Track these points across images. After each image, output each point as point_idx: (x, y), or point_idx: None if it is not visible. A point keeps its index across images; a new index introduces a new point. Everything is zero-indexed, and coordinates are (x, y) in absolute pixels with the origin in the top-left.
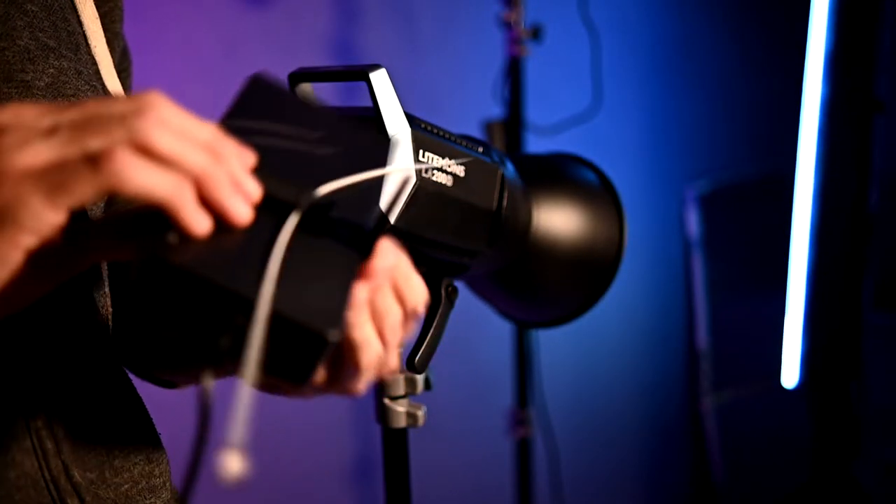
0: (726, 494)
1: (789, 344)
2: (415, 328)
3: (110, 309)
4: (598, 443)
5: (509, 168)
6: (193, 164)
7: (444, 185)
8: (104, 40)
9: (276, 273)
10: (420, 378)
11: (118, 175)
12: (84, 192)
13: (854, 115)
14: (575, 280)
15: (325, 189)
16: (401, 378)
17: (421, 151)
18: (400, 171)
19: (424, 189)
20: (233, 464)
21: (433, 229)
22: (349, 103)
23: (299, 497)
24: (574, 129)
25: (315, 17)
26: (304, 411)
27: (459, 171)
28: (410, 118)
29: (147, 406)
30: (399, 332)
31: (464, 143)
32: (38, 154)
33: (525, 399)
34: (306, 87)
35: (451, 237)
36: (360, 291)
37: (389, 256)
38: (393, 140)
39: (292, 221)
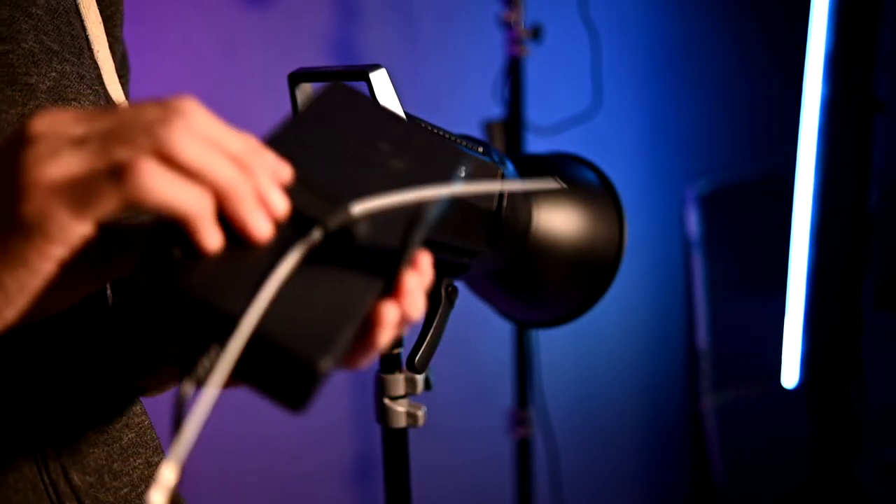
0: (726, 494)
1: (789, 344)
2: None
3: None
4: (598, 443)
5: (509, 168)
6: (218, 177)
7: None
8: (107, 45)
9: (270, 295)
10: (420, 378)
11: (140, 187)
12: (109, 204)
13: (854, 115)
14: (575, 280)
15: (358, 208)
16: (401, 378)
17: None
18: (437, 192)
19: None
20: (166, 478)
21: (433, 229)
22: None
23: (299, 497)
24: (574, 129)
25: (315, 17)
26: None
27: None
28: (410, 118)
29: (146, 408)
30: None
31: (464, 143)
32: (65, 165)
33: (525, 399)
34: (306, 88)
35: (451, 237)
36: (390, 312)
37: (425, 275)
38: None
39: (302, 244)
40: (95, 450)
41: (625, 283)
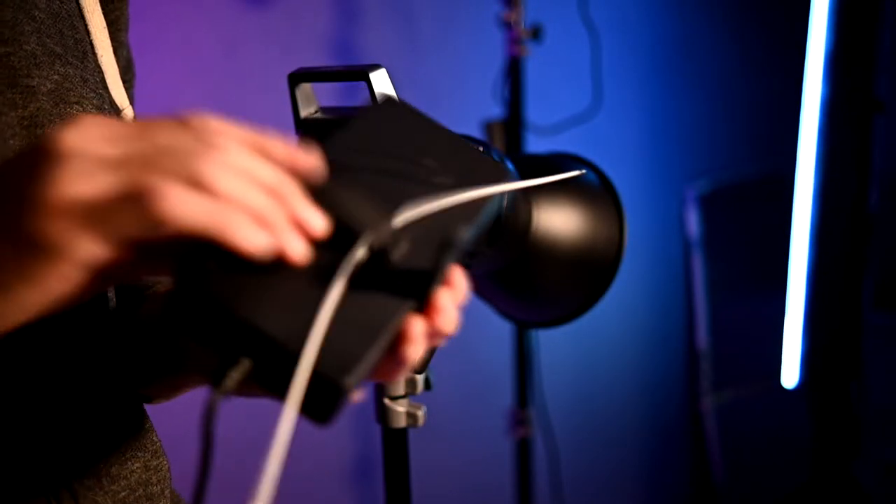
0: (726, 494)
1: (789, 344)
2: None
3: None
4: (598, 443)
5: (509, 168)
6: (251, 204)
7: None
8: (111, 49)
9: (324, 327)
10: (420, 378)
11: (165, 210)
12: (133, 228)
13: (854, 115)
14: (575, 280)
15: (399, 220)
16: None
17: None
18: (469, 195)
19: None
20: None
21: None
22: (349, 103)
23: (299, 497)
24: (574, 129)
25: (315, 17)
26: None
27: None
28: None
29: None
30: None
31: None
32: (94, 188)
33: (525, 399)
34: (306, 87)
35: None
36: (418, 328)
37: (459, 291)
38: None
39: (347, 267)
40: (94, 453)
41: (625, 283)
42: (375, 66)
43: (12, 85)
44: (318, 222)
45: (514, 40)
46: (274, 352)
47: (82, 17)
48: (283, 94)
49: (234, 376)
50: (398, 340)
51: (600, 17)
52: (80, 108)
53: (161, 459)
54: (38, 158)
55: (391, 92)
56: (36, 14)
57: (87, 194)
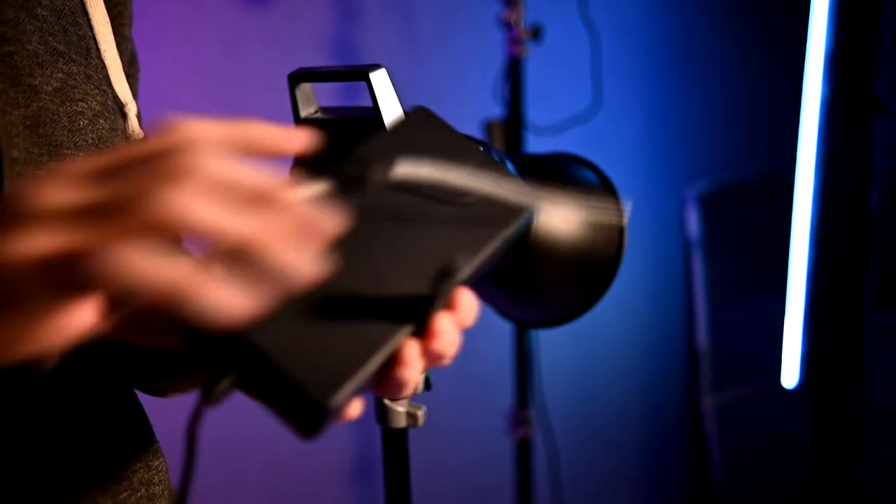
0: (726, 494)
1: (789, 344)
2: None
3: None
4: (598, 443)
5: (509, 168)
6: (237, 231)
7: None
8: (114, 44)
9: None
10: (420, 378)
11: (97, 263)
12: (90, 290)
13: (854, 115)
14: (575, 280)
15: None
16: None
17: None
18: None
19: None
20: None
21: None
22: (349, 103)
23: (299, 497)
24: (574, 129)
25: (315, 17)
26: None
27: None
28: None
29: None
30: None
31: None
32: (44, 242)
33: (525, 399)
34: (306, 87)
35: None
36: (411, 351)
37: (465, 314)
38: None
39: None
40: (96, 454)
41: (625, 283)
42: (375, 66)
43: (15, 84)
44: (330, 224)
45: (514, 40)
46: (262, 366)
47: (85, 13)
48: (283, 94)
49: (223, 387)
50: (393, 362)
51: (600, 17)
52: (85, 105)
53: (161, 459)
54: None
55: (391, 92)
56: (39, 12)
57: (40, 249)
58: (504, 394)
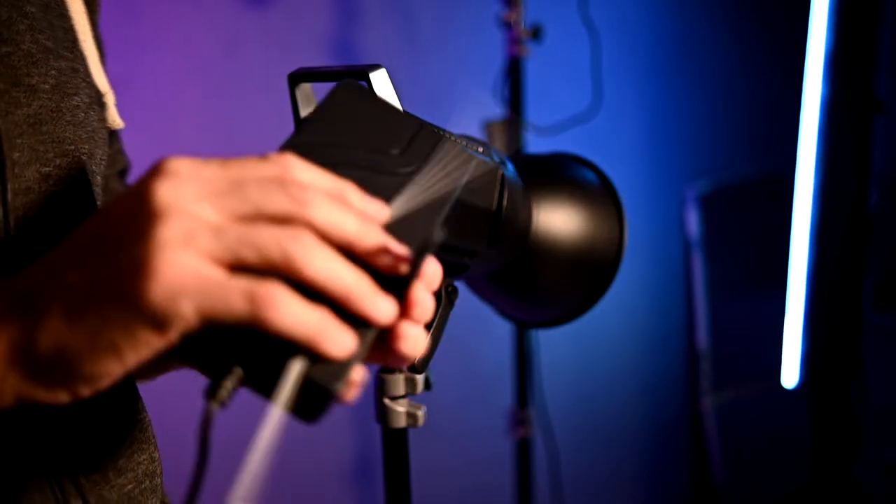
0: (726, 494)
1: (789, 344)
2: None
3: None
4: (598, 443)
5: (509, 168)
6: (342, 285)
7: None
8: (91, 34)
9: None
10: (420, 378)
11: (272, 319)
12: (232, 316)
13: (854, 115)
14: (575, 280)
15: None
16: (401, 378)
17: None
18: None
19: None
20: None
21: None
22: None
23: (299, 497)
24: (574, 129)
25: (315, 17)
26: None
27: None
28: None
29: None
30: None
31: (464, 143)
32: (201, 266)
33: (525, 399)
34: (306, 88)
35: (451, 237)
36: (398, 322)
37: (431, 279)
38: None
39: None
40: (100, 447)
41: (625, 283)
42: (375, 66)
43: (16, 84)
44: (400, 253)
45: (514, 40)
46: (268, 357)
47: (64, 4)
48: (283, 94)
49: (228, 386)
50: (384, 336)
51: (600, 17)
52: (78, 99)
53: (158, 451)
54: (137, 208)
55: (391, 92)
56: (28, 10)
57: (193, 268)
58: (504, 394)
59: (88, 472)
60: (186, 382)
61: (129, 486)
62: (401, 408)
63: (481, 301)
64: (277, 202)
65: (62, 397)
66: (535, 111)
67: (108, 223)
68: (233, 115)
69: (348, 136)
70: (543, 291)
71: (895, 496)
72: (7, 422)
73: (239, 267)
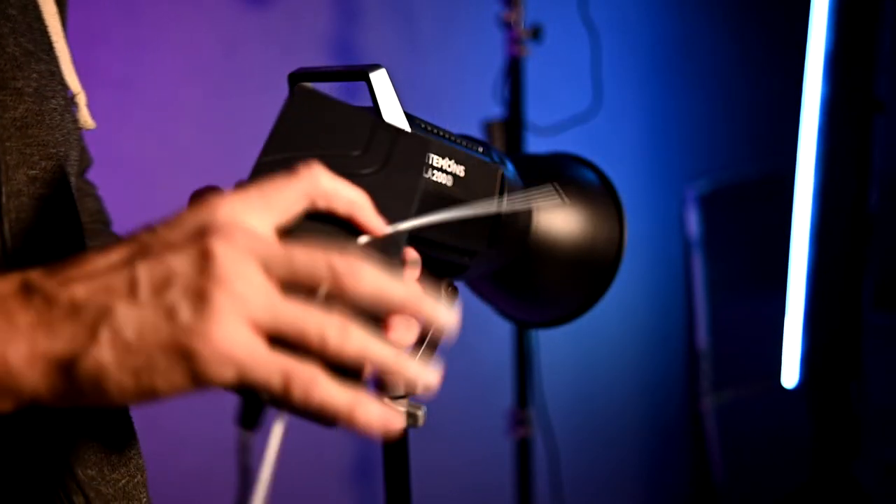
0: (726, 494)
1: (789, 344)
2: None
3: None
4: (598, 443)
5: (509, 168)
6: (378, 361)
7: (444, 184)
8: (62, 35)
9: None
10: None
11: (298, 395)
12: (268, 389)
13: (854, 115)
14: (575, 280)
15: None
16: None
17: None
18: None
19: (424, 189)
20: None
21: (433, 229)
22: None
23: (299, 497)
24: (574, 129)
25: (315, 17)
26: None
27: (459, 170)
28: (410, 118)
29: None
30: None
31: (464, 143)
32: (248, 334)
33: (525, 399)
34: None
35: (451, 237)
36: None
37: (413, 268)
38: None
39: None
40: (94, 443)
41: (625, 283)
42: (375, 66)
43: (2, 87)
44: (443, 317)
45: (514, 40)
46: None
47: (38, 6)
48: (282, 95)
49: (257, 412)
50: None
51: (600, 17)
52: (56, 102)
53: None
54: (201, 275)
55: (391, 92)
56: (10, 12)
57: (243, 346)
58: (504, 394)
59: (85, 469)
60: None
61: (123, 481)
62: (401, 408)
63: (481, 301)
64: (321, 273)
65: (68, 405)
66: (535, 111)
67: (162, 264)
68: (233, 115)
69: (310, 146)
70: (543, 291)
71: (895, 496)
72: (6, 421)
73: (276, 336)
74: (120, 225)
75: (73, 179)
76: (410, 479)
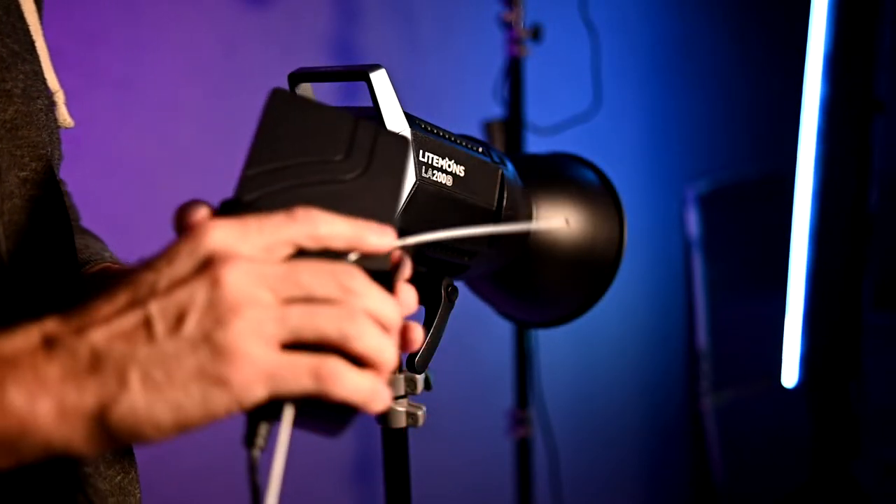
0: (726, 494)
1: (789, 344)
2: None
3: None
4: (598, 443)
5: (509, 168)
6: (387, 360)
7: (444, 184)
8: (41, 34)
9: None
10: (420, 378)
11: (335, 391)
12: (301, 392)
13: (854, 115)
14: (575, 280)
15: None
16: (401, 378)
17: (421, 152)
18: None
19: (424, 189)
20: None
21: (433, 229)
22: (349, 103)
23: (299, 497)
24: (574, 129)
25: (315, 17)
26: None
27: (459, 170)
28: (410, 118)
29: None
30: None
31: (464, 143)
32: (269, 351)
33: (525, 399)
34: (306, 88)
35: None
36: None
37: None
38: None
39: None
40: None
41: (625, 283)
42: (375, 66)
43: None
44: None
45: (514, 40)
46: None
47: (20, 5)
48: None
49: (263, 433)
50: None
51: (600, 17)
52: (41, 104)
53: None
54: (216, 308)
55: (391, 92)
56: None
57: (262, 353)
58: (504, 394)
59: (83, 466)
60: None
61: (119, 477)
62: (401, 408)
63: (481, 301)
64: (328, 289)
65: (103, 452)
66: (535, 111)
67: (173, 299)
68: (233, 115)
69: (293, 153)
70: (543, 291)
71: (895, 496)
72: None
73: (296, 342)
74: (120, 224)
75: (59, 179)
76: (410, 479)
